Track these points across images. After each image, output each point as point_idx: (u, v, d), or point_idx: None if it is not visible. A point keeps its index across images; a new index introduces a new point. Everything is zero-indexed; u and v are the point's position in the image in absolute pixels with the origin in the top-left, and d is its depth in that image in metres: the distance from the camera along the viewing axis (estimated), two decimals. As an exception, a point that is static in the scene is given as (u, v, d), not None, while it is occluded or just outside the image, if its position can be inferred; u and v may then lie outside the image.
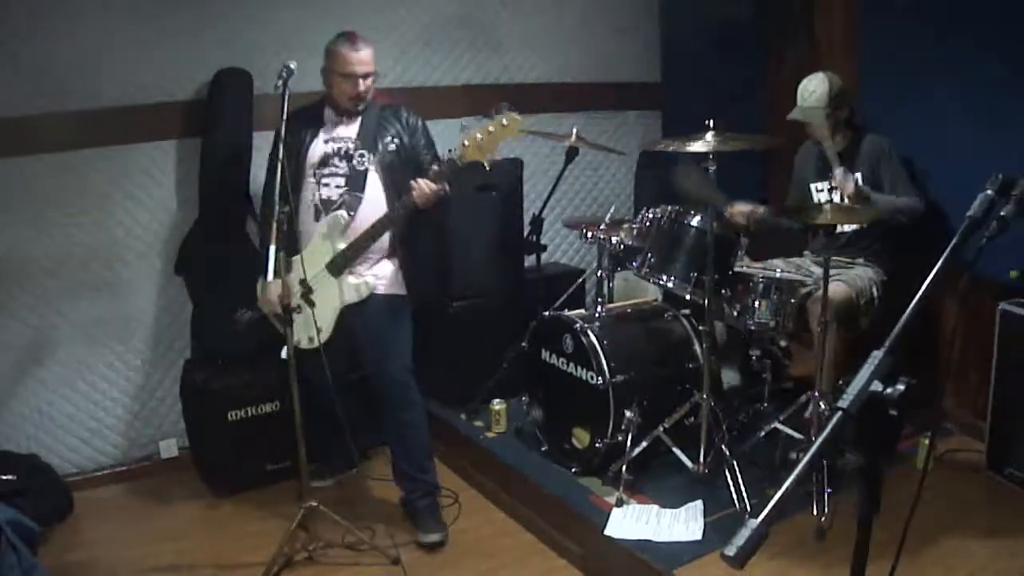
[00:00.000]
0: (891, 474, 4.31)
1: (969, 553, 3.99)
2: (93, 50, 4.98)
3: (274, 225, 4.01)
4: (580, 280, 6.09)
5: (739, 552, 1.55)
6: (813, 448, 1.63)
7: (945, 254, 1.84)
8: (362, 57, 4.46)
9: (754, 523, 1.55)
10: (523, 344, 5.24)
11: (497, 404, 5.37)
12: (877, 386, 1.65)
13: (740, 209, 4.96)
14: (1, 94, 4.80)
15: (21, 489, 4.73)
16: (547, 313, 5.07)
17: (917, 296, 1.80)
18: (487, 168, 4.42)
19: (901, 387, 1.65)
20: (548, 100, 6.50)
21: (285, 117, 4.13)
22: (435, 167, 4.37)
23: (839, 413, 1.64)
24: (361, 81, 4.47)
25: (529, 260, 5.80)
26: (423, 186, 4.29)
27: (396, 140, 4.60)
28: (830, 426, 1.63)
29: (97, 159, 5.14)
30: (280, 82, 4.10)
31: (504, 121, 4.18)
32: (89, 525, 4.99)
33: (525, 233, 5.65)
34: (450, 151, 4.37)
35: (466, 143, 4.22)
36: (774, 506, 1.59)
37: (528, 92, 6.45)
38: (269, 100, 4.62)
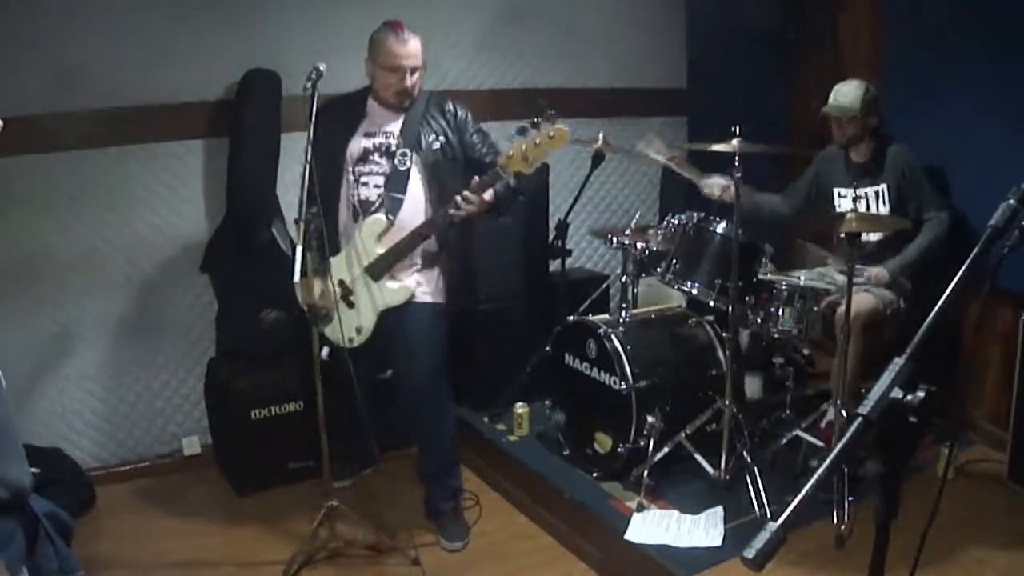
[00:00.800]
0: (911, 483, 4.32)
1: (989, 563, 3.98)
2: (121, 49, 5.02)
3: (301, 225, 3.96)
4: (604, 285, 6.09)
5: (758, 554, 1.55)
6: (833, 452, 1.63)
7: (966, 264, 1.84)
8: (410, 50, 4.30)
9: (773, 526, 1.56)
10: (547, 348, 5.24)
11: (520, 408, 5.38)
12: (897, 393, 1.65)
13: (717, 182, 4.99)
14: (30, 92, 4.84)
15: (45, 482, 4.75)
16: (571, 318, 5.08)
17: (938, 305, 1.80)
18: (512, 183, 4.39)
19: (921, 394, 1.65)
20: (574, 106, 6.47)
21: (314, 119, 4.05)
22: (476, 178, 4.21)
23: (859, 419, 1.64)
24: (408, 75, 4.31)
25: (554, 265, 5.77)
26: (463, 204, 4.18)
27: (442, 137, 4.44)
28: (850, 432, 1.63)
29: (124, 157, 5.18)
30: (309, 84, 4.03)
31: (551, 133, 4.00)
32: (111, 519, 5.02)
33: (550, 238, 5.66)
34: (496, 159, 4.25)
35: (511, 153, 4.05)
36: (794, 509, 1.59)
37: (553, 98, 6.37)
38: (298, 101, 4.60)
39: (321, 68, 4.05)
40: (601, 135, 5.37)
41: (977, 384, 5.21)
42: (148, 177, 5.27)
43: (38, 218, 5.01)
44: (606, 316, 5.04)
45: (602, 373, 4.75)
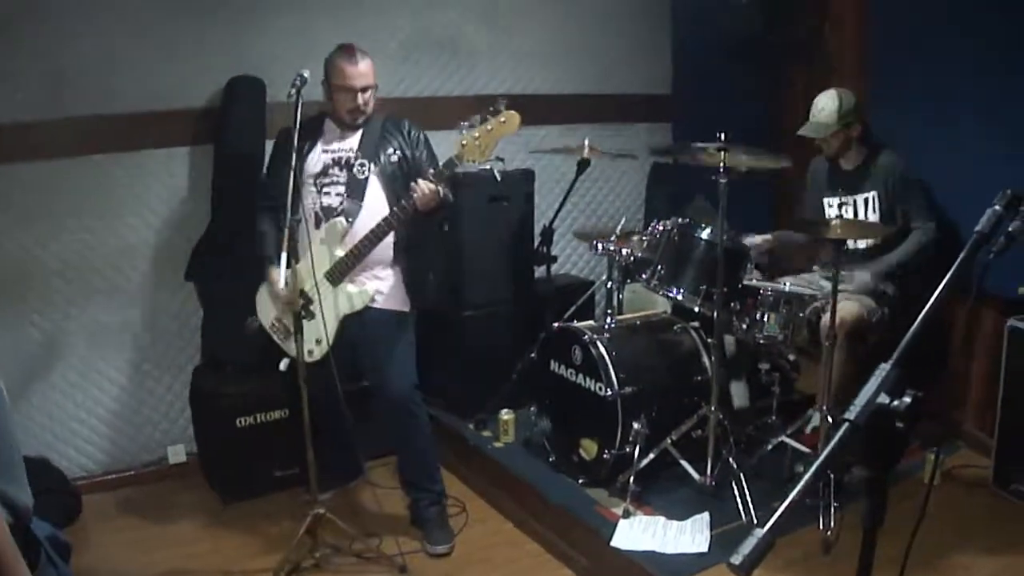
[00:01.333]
0: (898, 488, 4.34)
1: (975, 568, 4.01)
2: (106, 57, 5.01)
3: (285, 233, 4.01)
4: (590, 292, 6.11)
5: (745, 560, 1.56)
6: (820, 458, 1.64)
7: (952, 269, 1.85)
8: (361, 70, 4.45)
9: (760, 532, 1.56)
10: (532, 355, 5.25)
11: (505, 414, 5.37)
12: (884, 398, 1.66)
13: (759, 242, 5.07)
14: (16, 100, 4.83)
15: (32, 491, 4.74)
16: (556, 324, 5.07)
17: (924, 310, 1.81)
18: (497, 179, 4.44)
19: (908, 400, 1.66)
20: (559, 112, 6.51)
21: (298, 125, 4.12)
22: (433, 168, 4.36)
23: (846, 424, 1.65)
24: (360, 94, 4.45)
25: (539, 271, 5.78)
26: (423, 187, 4.26)
27: (398, 152, 4.59)
28: (836, 437, 1.64)
29: (109, 164, 5.17)
30: (293, 90, 4.08)
31: (502, 119, 4.16)
32: (97, 529, 5.00)
33: (536, 244, 5.67)
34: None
35: (464, 143, 4.20)
36: (780, 515, 1.60)
37: (539, 104, 6.46)
38: (282, 108, 4.60)
39: (305, 75, 4.12)
40: (586, 141, 5.38)
41: (962, 389, 5.23)
42: (133, 184, 5.27)
43: (23, 226, 5.00)
44: (591, 322, 5.03)
45: (588, 379, 4.76)
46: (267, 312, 4.64)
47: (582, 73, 6.75)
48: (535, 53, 6.52)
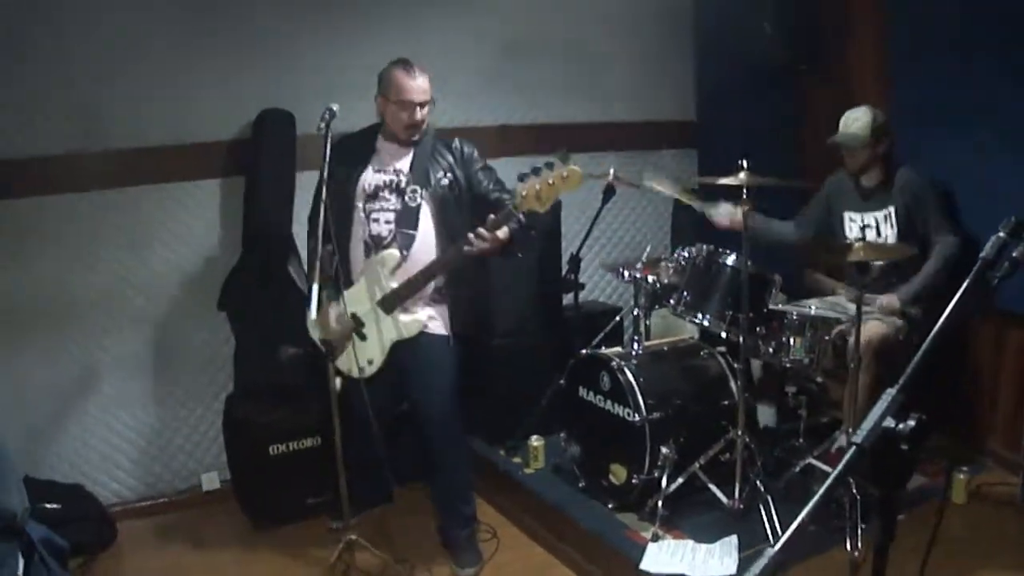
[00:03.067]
0: (924, 508, 4.35)
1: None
2: (137, 91, 5.11)
3: (317, 264, 4.04)
4: (617, 318, 6.13)
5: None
6: (829, 480, 1.68)
7: (957, 295, 1.89)
8: (419, 84, 4.38)
9: (771, 551, 1.61)
10: (561, 381, 5.27)
11: (535, 440, 5.40)
12: (890, 422, 1.71)
13: (725, 210, 5.11)
14: (50, 133, 4.94)
15: (66, 517, 4.81)
16: (585, 351, 5.10)
17: (931, 334, 1.86)
18: (523, 220, 4.42)
19: (912, 423, 1.71)
20: (583, 140, 6.53)
21: (328, 159, 4.14)
22: (491, 216, 4.23)
23: (853, 447, 1.70)
24: (418, 109, 4.39)
25: (567, 298, 5.82)
26: (476, 239, 4.20)
27: (449, 174, 4.51)
28: (845, 460, 1.69)
29: (142, 197, 5.26)
30: (323, 123, 4.12)
31: (564, 174, 4.00)
32: (131, 555, 5.06)
33: (563, 272, 5.71)
34: (508, 197, 4.31)
35: (524, 193, 4.05)
36: (791, 534, 1.64)
37: (563, 132, 6.50)
38: (312, 140, 4.66)
39: (334, 108, 4.14)
40: (612, 170, 5.42)
41: (990, 408, 5.23)
42: (165, 216, 5.35)
43: (58, 257, 5.08)
44: (619, 349, 5.07)
45: (616, 405, 4.79)
46: (319, 330, 4.52)
47: (606, 101, 6.80)
48: (559, 82, 6.58)
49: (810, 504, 1.66)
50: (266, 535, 5.21)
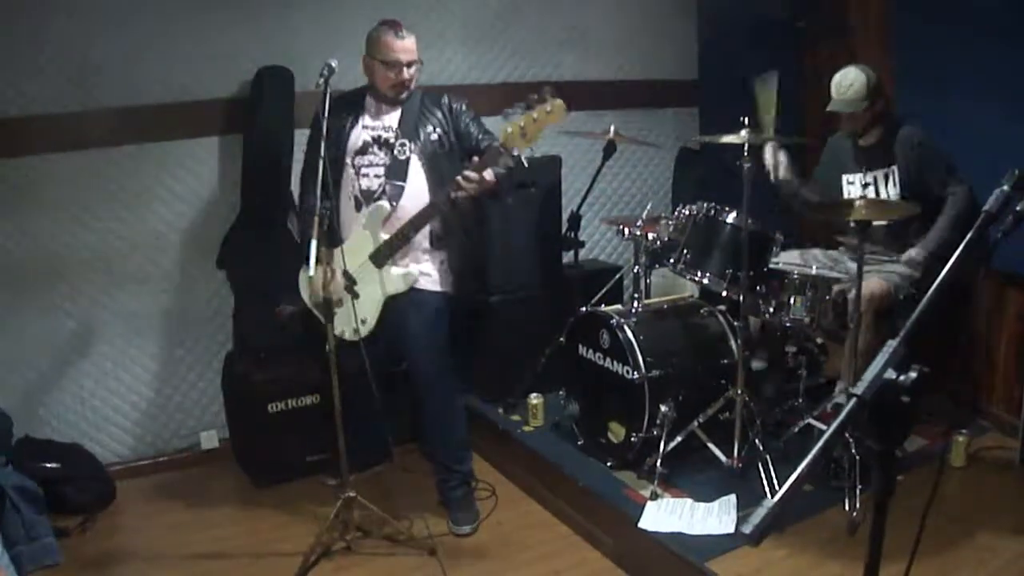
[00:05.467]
0: (923, 472, 4.35)
1: (1000, 549, 3.99)
2: (135, 48, 5.07)
3: (315, 220, 4.04)
4: (617, 276, 6.12)
5: (755, 529, 1.59)
6: (828, 431, 1.67)
7: (959, 249, 1.87)
8: (406, 45, 4.42)
9: (770, 502, 1.60)
10: (560, 339, 5.26)
11: (534, 398, 5.40)
12: (891, 374, 1.69)
13: (775, 159, 5.06)
14: (45, 91, 4.90)
15: (65, 477, 4.84)
16: (584, 309, 5.09)
17: (931, 289, 1.83)
18: (525, 165, 4.42)
19: (913, 374, 1.68)
20: (585, 98, 6.50)
21: (327, 114, 4.15)
22: (475, 158, 4.32)
23: (853, 399, 1.68)
24: (405, 69, 4.42)
25: (567, 256, 5.82)
26: (464, 181, 4.25)
27: (439, 129, 4.54)
28: (845, 411, 1.67)
29: (141, 155, 5.23)
30: (321, 80, 4.13)
31: (548, 108, 4.08)
32: (131, 513, 5.08)
33: (563, 229, 5.69)
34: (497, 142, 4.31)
35: (509, 130, 4.11)
36: (790, 486, 1.63)
37: (565, 90, 6.41)
38: (310, 97, 4.63)
39: (333, 64, 4.15)
40: (613, 127, 5.39)
41: (990, 371, 5.22)
42: (164, 174, 5.33)
43: (56, 216, 5.07)
44: (619, 307, 5.07)
45: (615, 363, 4.78)
46: (311, 293, 4.58)
47: (608, 59, 6.76)
48: (561, 40, 6.53)
49: (809, 456, 1.65)
50: (265, 493, 5.22)
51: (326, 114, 4.16)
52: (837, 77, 4.88)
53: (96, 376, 5.34)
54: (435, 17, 5.92)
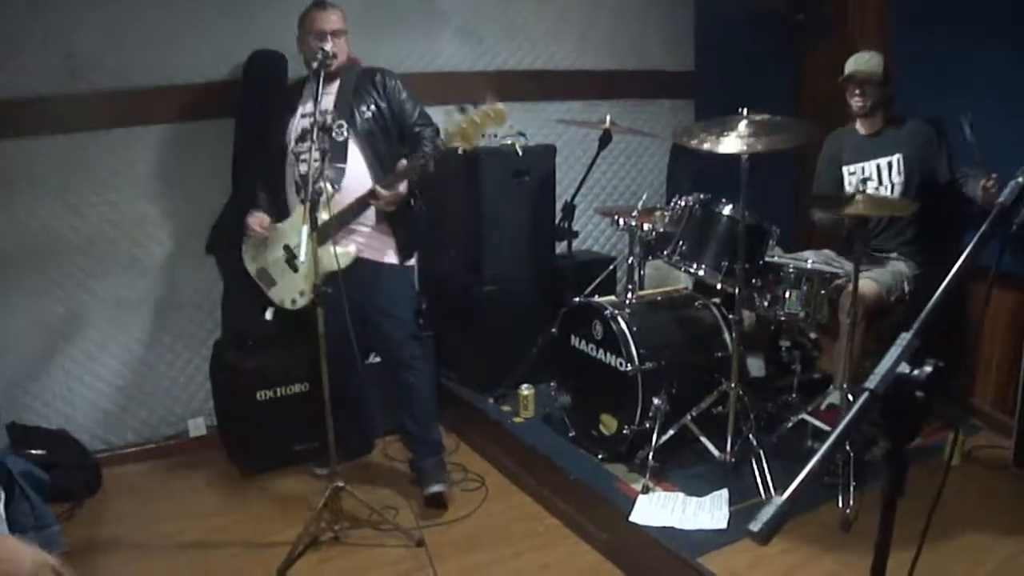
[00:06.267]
0: (918, 469, 4.31)
1: (995, 548, 3.97)
2: (128, 31, 5.04)
3: (307, 206, 4.04)
4: (611, 267, 6.09)
5: (764, 527, 1.53)
6: (840, 426, 1.61)
7: (973, 242, 1.82)
8: (330, 16, 4.51)
9: (779, 500, 1.54)
10: (553, 330, 5.23)
11: (526, 389, 5.37)
12: (904, 368, 1.64)
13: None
14: (33, 74, 4.86)
15: (51, 463, 4.77)
16: (577, 299, 5.05)
17: (945, 281, 1.78)
18: (519, 153, 4.44)
19: (928, 369, 1.64)
20: (582, 88, 6.49)
21: (319, 97, 4.19)
22: (401, 162, 4.43)
23: (866, 393, 1.63)
24: (329, 38, 4.46)
25: (561, 246, 5.79)
26: (382, 192, 4.41)
27: (373, 107, 4.61)
28: (857, 406, 1.62)
29: (131, 139, 5.20)
30: (315, 64, 4.14)
31: (490, 112, 4.24)
32: (117, 501, 5.03)
33: (557, 219, 5.66)
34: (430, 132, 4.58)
35: (450, 129, 4.29)
36: (800, 483, 1.57)
37: (562, 79, 6.46)
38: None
39: (327, 48, 4.14)
40: (608, 116, 5.36)
41: (984, 370, 5.20)
42: (154, 159, 5.29)
43: (45, 200, 5.03)
44: (612, 298, 5.02)
45: (608, 355, 4.75)
46: (252, 262, 4.78)
47: (605, 50, 6.73)
48: (557, 29, 6.50)
49: (820, 451, 1.60)
50: (253, 481, 5.19)
51: (319, 99, 4.22)
52: (856, 54, 4.88)
53: (83, 362, 5.30)
54: (429, 5, 5.88)
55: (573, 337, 5.03)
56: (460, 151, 4.39)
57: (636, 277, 5.04)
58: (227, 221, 5.34)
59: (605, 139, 5.38)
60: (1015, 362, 4.68)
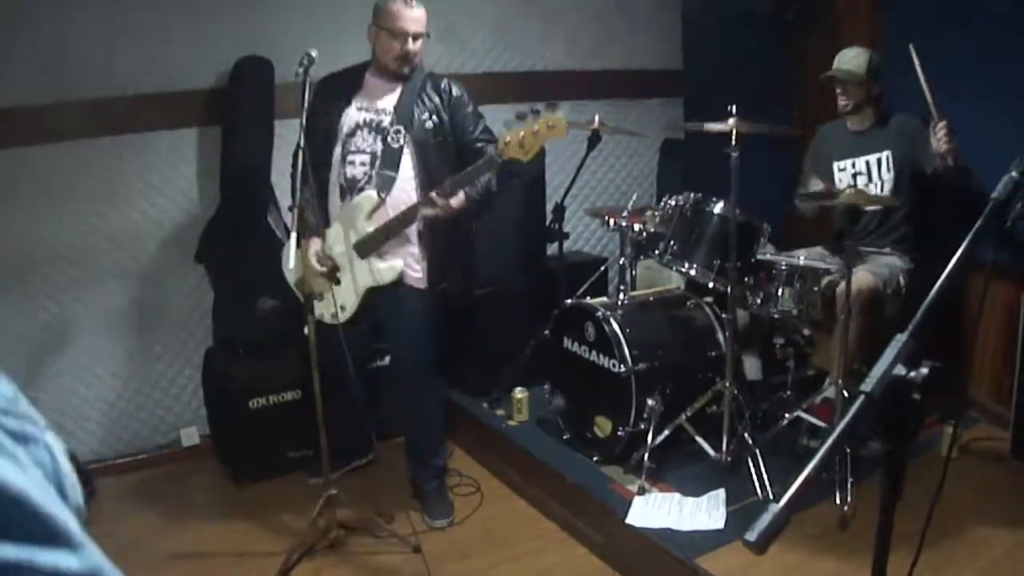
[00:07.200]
0: (916, 461, 4.30)
1: (993, 541, 3.98)
2: (113, 38, 5.00)
3: (295, 211, 3.92)
4: (602, 268, 6.06)
5: (760, 536, 1.51)
6: (836, 431, 1.60)
7: (969, 237, 1.81)
8: (415, 15, 4.31)
9: (776, 507, 1.52)
10: (545, 332, 5.22)
11: (519, 392, 5.35)
12: (900, 369, 1.62)
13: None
14: (22, 82, 4.82)
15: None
16: (569, 301, 5.04)
17: (941, 278, 1.77)
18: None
19: (925, 371, 1.62)
20: (570, 88, 6.48)
21: (306, 106, 4.01)
22: (447, 182, 4.19)
23: (862, 396, 1.61)
24: (410, 40, 4.31)
25: (552, 248, 5.76)
26: (427, 207, 4.21)
27: (435, 116, 4.41)
28: (853, 409, 1.60)
29: (118, 147, 5.16)
30: (301, 70, 4.02)
31: (550, 123, 3.97)
32: (110, 512, 5.00)
33: (547, 221, 5.64)
34: (492, 148, 4.22)
35: (508, 140, 3.99)
36: (796, 490, 1.56)
37: (550, 80, 6.44)
38: (291, 89, 4.58)
39: (313, 54, 4.05)
40: (597, 117, 5.34)
41: (979, 362, 5.19)
42: (142, 167, 5.26)
43: (32, 209, 4.98)
44: (604, 299, 5.00)
45: (601, 356, 4.73)
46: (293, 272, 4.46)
47: (592, 49, 6.72)
48: (545, 29, 6.49)
49: (816, 457, 1.57)
50: (247, 490, 5.17)
51: (305, 106, 4.01)
52: (841, 52, 4.89)
53: (73, 372, 5.27)
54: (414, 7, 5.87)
55: (566, 339, 5.02)
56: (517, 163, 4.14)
57: (627, 278, 5.02)
58: (217, 229, 5.32)
59: (594, 139, 5.35)
60: (1010, 353, 4.68)
